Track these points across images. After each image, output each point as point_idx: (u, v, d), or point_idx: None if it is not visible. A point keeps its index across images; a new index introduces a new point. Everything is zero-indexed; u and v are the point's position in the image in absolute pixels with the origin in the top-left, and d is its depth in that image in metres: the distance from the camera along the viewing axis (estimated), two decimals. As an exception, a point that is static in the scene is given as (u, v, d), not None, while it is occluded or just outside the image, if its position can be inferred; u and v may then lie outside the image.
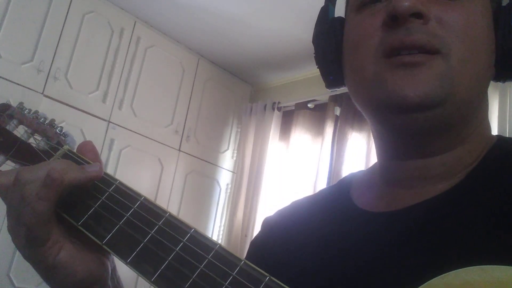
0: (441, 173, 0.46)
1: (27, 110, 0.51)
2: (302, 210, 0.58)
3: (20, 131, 0.50)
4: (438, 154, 0.46)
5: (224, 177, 2.98)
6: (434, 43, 0.42)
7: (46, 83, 2.23)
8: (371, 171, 0.56)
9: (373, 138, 0.54)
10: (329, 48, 0.52)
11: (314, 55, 0.54)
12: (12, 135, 0.50)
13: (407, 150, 0.48)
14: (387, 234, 0.45)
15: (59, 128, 0.50)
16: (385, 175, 0.51)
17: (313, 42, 0.55)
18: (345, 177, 0.60)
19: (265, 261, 0.47)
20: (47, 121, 0.50)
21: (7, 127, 0.50)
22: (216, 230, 2.89)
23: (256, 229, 2.66)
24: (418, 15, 0.43)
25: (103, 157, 2.40)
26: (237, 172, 2.93)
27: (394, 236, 0.44)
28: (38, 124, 0.49)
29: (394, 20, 0.43)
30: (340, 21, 0.53)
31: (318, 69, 0.56)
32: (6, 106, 0.51)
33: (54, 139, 0.50)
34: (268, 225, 0.61)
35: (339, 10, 0.56)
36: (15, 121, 0.50)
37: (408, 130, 0.46)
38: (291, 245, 0.53)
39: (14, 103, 0.53)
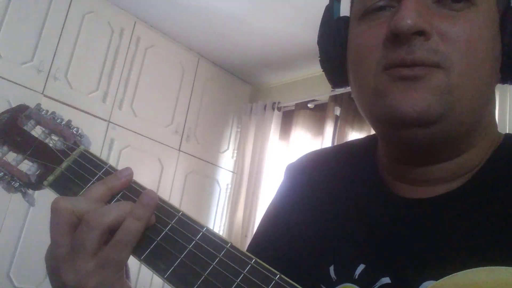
0: (446, 177, 0.47)
1: (44, 111, 0.51)
2: (327, 162, 0.60)
3: (37, 132, 0.50)
4: (443, 162, 0.47)
5: (224, 177, 2.98)
6: (436, 60, 0.42)
7: (46, 83, 2.23)
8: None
9: (379, 140, 0.54)
10: (334, 51, 0.52)
11: (319, 57, 0.54)
12: (29, 135, 0.51)
13: (411, 159, 0.48)
14: (405, 220, 0.47)
15: (75, 129, 0.51)
16: (390, 171, 0.52)
17: (318, 43, 0.54)
18: (374, 135, 0.58)
19: (293, 210, 0.52)
20: (63, 122, 0.51)
21: (25, 128, 0.50)
22: (216, 230, 2.88)
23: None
24: (420, 33, 0.42)
25: (103, 157, 2.39)
26: (237, 172, 2.93)
27: (408, 222, 0.46)
28: (55, 125, 0.50)
29: (396, 37, 0.43)
30: (345, 21, 0.52)
31: (318, 69, 0.55)
32: (24, 107, 0.51)
33: (71, 139, 0.50)
34: (290, 171, 0.63)
35: (345, 8, 0.55)
36: (32, 122, 0.50)
37: (409, 144, 0.46)
38: (314, 202, 0.55)
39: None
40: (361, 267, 0.46)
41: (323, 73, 0.55)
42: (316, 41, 0.54)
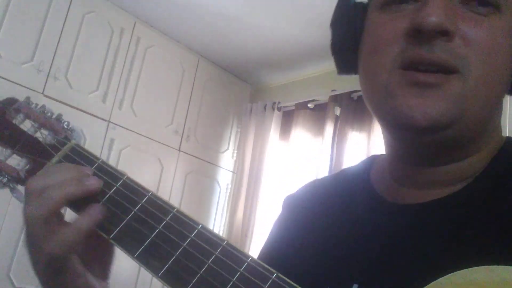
0: (451, 179, 0.46)
1: (34, 105, 0.51)
2: (324, 191, 0.59)
3: (26, 125, 0.50)
4: (449, 164, 0.46)
5: (224, 177, 2.97)
6: (454, 63, 0.41)
7: (46, 83, 2.23)
8: (383, 162, 0.56)
9: (383, 137, 0.53)
10: (348, 35, 0.50)
11: (331, 41, 0.52)
12: (18, 129, 0.50)
13: (415, 161, 0.47)
14: (400, 226, 0.46)
15: (66, 123, 0.50)
16: (393, 174, 0.51)
17: (331, 25, 0.52)
18: (368, 158, 0.59)
19: (291, 240, 0.50)
20: (54, 116, 0.50)
21: (14, 121, 0.50)
22: (216, 230, 2.87)
23: (256, 229, 2.66)
24: (443, 33, 0.41)
25: (103, 157, 2.39)
26: (237, 172, 2.93)
27: (405, 229, 0.45)
28: (45, 119, 0.49)
29: (418, 34, 0.41)
30: (363, 8, 0.50)
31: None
32: (12, 100, 0.51)
33: (61, 133, 0.49)
34: (289, 203, 0.62)
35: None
36: (21, 115, 0.50)
37: (415, 147, 0.45)
38: (311, 230, 0.54)
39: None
40: (354, 287, 0.45)
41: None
42: (329, 24, 0.52)
